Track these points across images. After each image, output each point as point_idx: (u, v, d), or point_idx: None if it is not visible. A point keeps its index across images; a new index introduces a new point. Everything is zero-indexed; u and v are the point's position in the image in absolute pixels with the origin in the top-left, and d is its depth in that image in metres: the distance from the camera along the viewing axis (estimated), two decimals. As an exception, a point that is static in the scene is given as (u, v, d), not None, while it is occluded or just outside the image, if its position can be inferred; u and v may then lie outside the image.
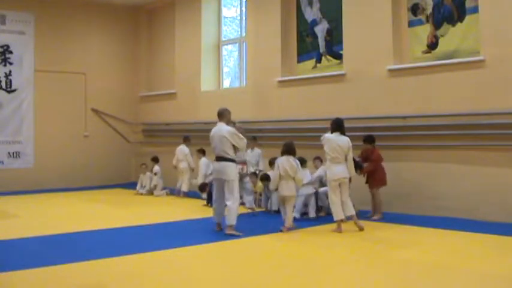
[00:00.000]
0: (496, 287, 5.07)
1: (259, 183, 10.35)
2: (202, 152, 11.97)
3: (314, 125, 10.51)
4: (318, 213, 9.04)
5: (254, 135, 11.21)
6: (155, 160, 13.08)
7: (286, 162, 7.80)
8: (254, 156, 10.78)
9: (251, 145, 10.70)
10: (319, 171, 9.22)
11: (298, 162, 7.99)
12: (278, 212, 8.98)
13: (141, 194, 12.70)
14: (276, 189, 8.25)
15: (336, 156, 7.71)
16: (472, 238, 7.19)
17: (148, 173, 12.90)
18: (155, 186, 12.74)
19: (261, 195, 10.31)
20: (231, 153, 7.67)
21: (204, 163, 11.73)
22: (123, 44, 15.35)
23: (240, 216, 7.90)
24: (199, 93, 13.48)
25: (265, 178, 9.65)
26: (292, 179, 7.80)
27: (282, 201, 8.01)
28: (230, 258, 6.37)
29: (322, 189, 9.01)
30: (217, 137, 7.75)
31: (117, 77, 15.18)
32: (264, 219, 9.11)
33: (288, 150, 7.88)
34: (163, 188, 12.88)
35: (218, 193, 7.84)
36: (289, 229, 7.78)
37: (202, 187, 11.09)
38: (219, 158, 7.71)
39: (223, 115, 7.94)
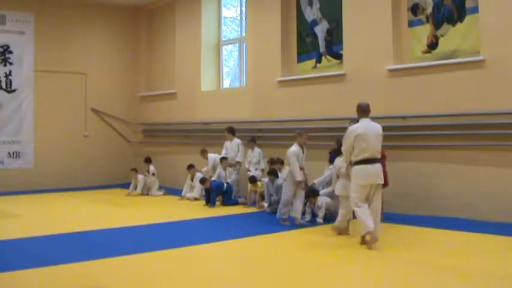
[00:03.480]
0: (496, 287, 5.08)
1: (259, 183, 10.40)
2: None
3: (314, 125, 10.51)
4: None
5: (253, 135, 11.28)
6: (148, 161, 12.98)
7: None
8: (255, 156, 10.97)
9: (251, 146, 11.02)
10: (328, 172, 9.13)
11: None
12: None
13: (134, 195, 12.58)
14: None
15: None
16: (472, 238, 7.19)
17: (140, 176, 12.79)
18: (149, 188, 12.72)
19: (261, 195, 10.34)
20: None
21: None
22: (123, 44, 15.34)
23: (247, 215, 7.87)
24: (199, 93, 13.48)
25: (272, 173, 9.70)
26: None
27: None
28: (231, 258, 6.37)
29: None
30: (373, 135, 6.77)
31: (117, 77, 15.17)
32: (269, 219, 9.12)
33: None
34: (161, 187, 12.89)
35: (364, 199, 6.77)
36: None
37: (203, 181, 11.05)
38: (373, 160, 6.74)
39: (369, 111, 6.97)
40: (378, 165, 6.80)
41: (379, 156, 6.83)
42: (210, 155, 11.89)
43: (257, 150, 11.02)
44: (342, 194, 7.38)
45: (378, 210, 6.83)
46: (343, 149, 7.08)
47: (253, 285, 5.17)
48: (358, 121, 7.01)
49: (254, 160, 10.98)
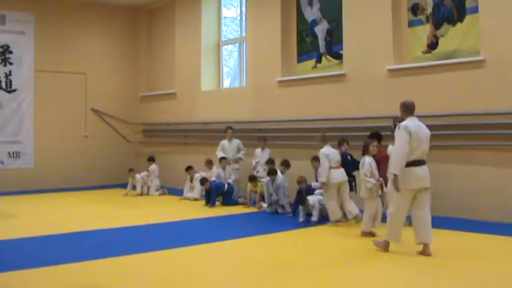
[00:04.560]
0: (496, 287, 5.08)
1: (259, 183, 10.39)
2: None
3: (314, 125, 10.51)
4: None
5: (264, 135, 11.31)
6: (152, 159, 13.04)
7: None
8: (265, 156, 10.96)
9: (262, 145, 11.08)
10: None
11: None
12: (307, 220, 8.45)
13: (133, 195, 12.59)
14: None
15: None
16: (472, 238, 7.19)
17: (138, 176, 12.78)
18: (149, 187, 12.74)
19: (261, 195, 10.33)
20: None
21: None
22: (123, 44, 15.34)
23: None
24: (199, 93, 13.48)
25: (273, 172, 9.76)
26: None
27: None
28: (231, 258, 6.37)
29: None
30: (424, 135, 6.28)
31: (117, 77, 15.17)
32: (268, 219, 9.11)
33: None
34: (162, 187, 12.89)
35: (407, 207, 6.28)
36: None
37: (203, 182, 11.03)
38: (422, 162, 6.24)
39: (414, 109, 6.43)
40: (426, 168, 6.27)
41: (426, 157, 6.32)
42: (215, 169, 11.53)
43: (267, 150, 11.03)
44: (366, 196, 7.33)
45: (428, 215, 6.29)
46: (398, 150, 6.22)
47: (253, 285, 5.17)
48: (400, 121, 6.50)
49: (263, 160, 10.87)
